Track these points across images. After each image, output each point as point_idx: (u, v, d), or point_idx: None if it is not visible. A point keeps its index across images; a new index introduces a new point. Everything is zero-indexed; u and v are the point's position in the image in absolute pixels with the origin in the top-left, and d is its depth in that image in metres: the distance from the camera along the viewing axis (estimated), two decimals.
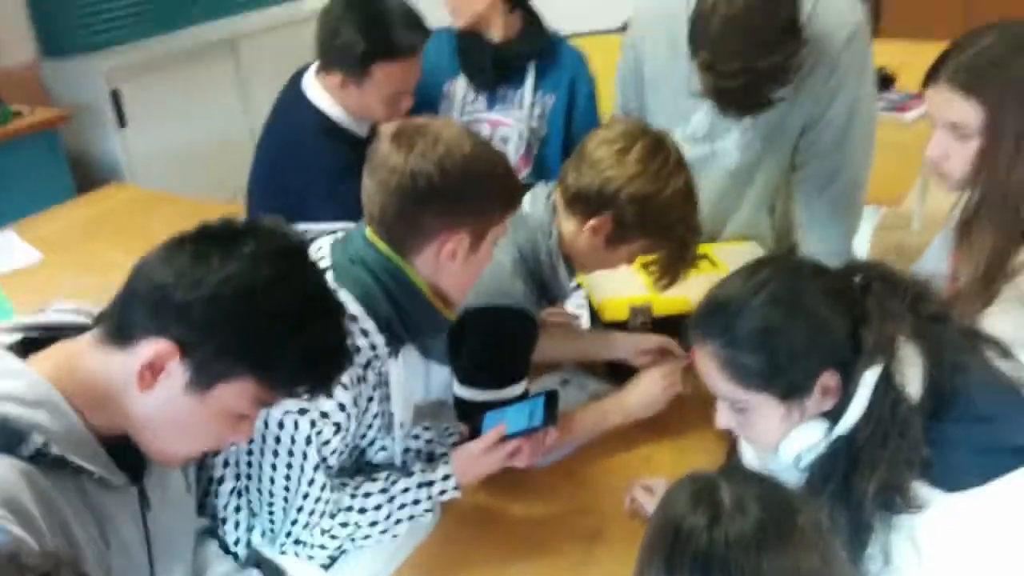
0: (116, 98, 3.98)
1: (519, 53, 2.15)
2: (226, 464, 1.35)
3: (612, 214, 1.50)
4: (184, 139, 4.22)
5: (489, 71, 2.14)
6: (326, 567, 1.40)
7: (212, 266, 0.95)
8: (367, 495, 1.38)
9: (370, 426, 1.41)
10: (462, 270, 1.32)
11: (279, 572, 1.39)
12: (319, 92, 2.03)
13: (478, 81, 2.16)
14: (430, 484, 1.41)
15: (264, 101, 2.15)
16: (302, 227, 1.39)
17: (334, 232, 1.39)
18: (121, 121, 4.04)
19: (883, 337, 1.09)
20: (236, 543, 1.37)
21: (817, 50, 1.75)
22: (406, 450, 1.55)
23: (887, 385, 1.08)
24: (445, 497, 1.43)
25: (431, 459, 1.54)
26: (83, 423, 0.97)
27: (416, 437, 1.57)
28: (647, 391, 1.67)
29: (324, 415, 1.23)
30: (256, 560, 1.40)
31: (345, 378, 1.24)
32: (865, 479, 1.07)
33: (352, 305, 1.25)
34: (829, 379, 1.10)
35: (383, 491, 1.39)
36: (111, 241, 2.62)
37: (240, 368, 0.97)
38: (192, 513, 1.24)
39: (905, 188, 2.86)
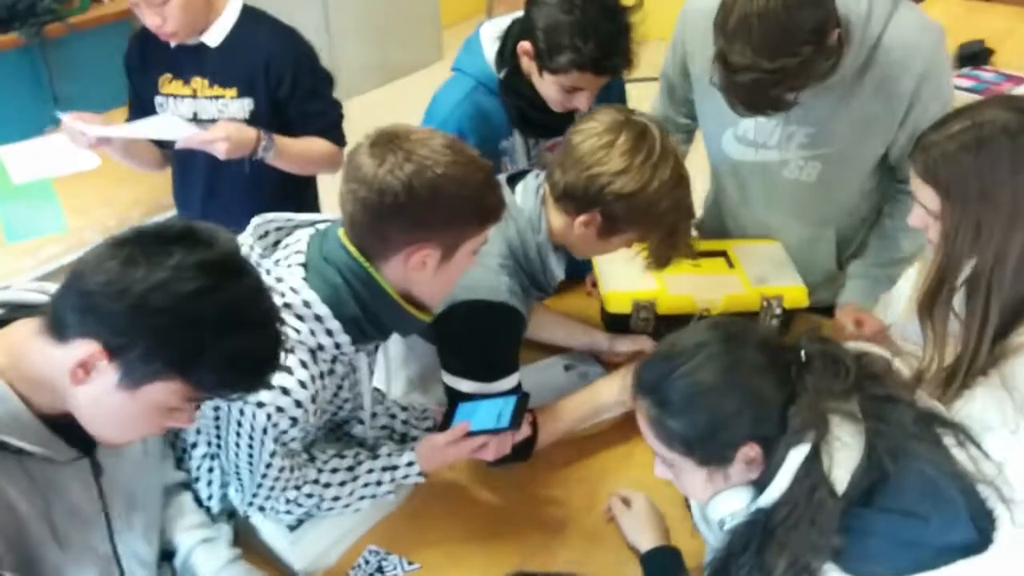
0: None
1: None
2: (198, 431, 1.44)
3: (600, 210, 1.50)
4: None
5: (550, 125, 1.96)
6: (292, 528, 1.50)
7: (138, 275, 0.99)
8: (334, 471, 1.46)
9: (340, 408, 1.48)
10: (434, 279, 1.34)
11: (250, 527, 1.51)
12: None
13: (536, 136, 2.00)
14: (394, 468, 1.48)
15: None
16: (286, 216, 1.43)
17: (316, 224, 1.42)
18: None
19: (811, 417, 1.08)
20: (209, 498, 1.47)
21: (885, 86, 1.70)
22: (383, 427, 1.62)
23: (810, 468, 1.08)
24: (408, 481, 1.50)
25: (404, 440, 1.61)
26: (26, 407, 1.05)
27: (393, 416, 1.64)
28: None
29: (280, 410, 1.29)
30: (230, 512, 1.51)
31: (304, 375, 1.30)
32: (775, 556, 1.09)
33: (318, 305, 1.29)
34: (750, 451, 1.11)
35: (349, 469, 1.47)
36: None
37: (166, 372, 1.02)
38: (153, 472, 1.33)
39: None
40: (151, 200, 2.43)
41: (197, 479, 1.46)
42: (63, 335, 1.02)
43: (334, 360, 1.36)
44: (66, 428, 1.09)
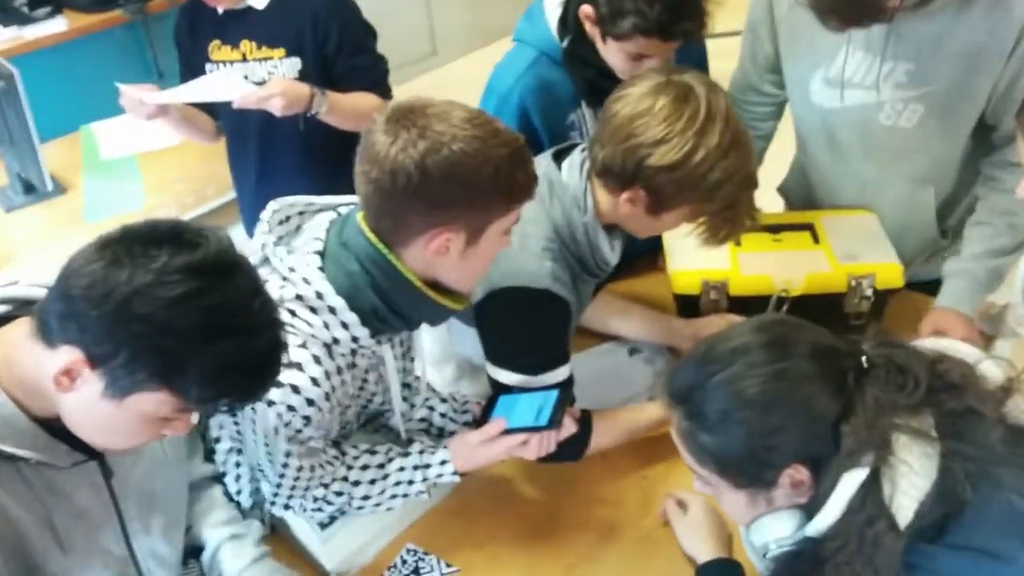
0: None
1: None
2: (221, 426, 1.39)
3: (643, 185, 1.35)
4: None
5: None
6: (324, 526, 1.44)
7: (121, 279, 0.92)
8: (364, 468, 1.38)
9: (370, 401, 1.39)
10: (461, 264, 1.22)
11: (283, 523, 1.45)
12: None
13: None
14: (427, 467, 1.39)
15: None
16: (307, 199, 1.34)
17: (338, 207, 1.33)
18: None
19: (870, 436, 0.91)
20: (238, 493, 1.42)
21: (995, 10, 1.49)
22: (421, 419, 1.53)
23: (867, 496, 0.91)
24: (443, 481, 1.40)
25: (442, 435, 1.51)
26: (20, 411, 1.01)
27: (432, 408, 1.54)
28: None
29: (291, 409, 1.21)
30: (262, 507, 1.45)
31: (317, 371, 1.21)
32: None
33: (332, 297, 1.20)
34: (797, 473, 0.96)
35: (380, 466, 1.39)
36: None
37: (151, 382, 0.96)
38: (174, 470, 1.27)
39: None
40: (226, 175, 2.40)
41: (224, 473, 1.41)
42: (50, 340, 0.97)
43: (354, 353, 1.27)
44: (70, 431, 1.05)
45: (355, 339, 1.23)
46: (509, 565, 1.43)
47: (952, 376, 0.97)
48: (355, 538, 1.44)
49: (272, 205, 1.31)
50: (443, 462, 1.39)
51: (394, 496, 1.40)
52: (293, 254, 1.26)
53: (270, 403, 1.21)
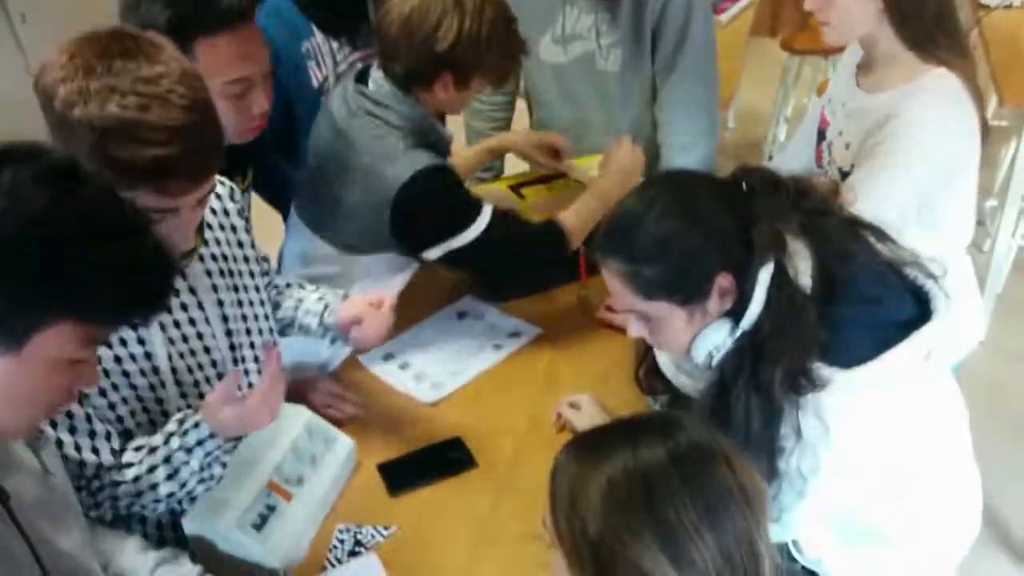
0: None
1: None
2: None
3: (448, 69, 1.60)
4: None
5: (347, 14, 1.98)
6: (258, 527, 1.37)
7: None
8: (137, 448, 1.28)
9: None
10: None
11: (205, 541, 1.36)
12: None
13: (337, 29, 1.97)
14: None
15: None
16: None
17: None
18: None
19: (772, 236, 1.18)
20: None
21: None
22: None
23: (781, 280, 1.17)
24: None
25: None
26: None
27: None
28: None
29: None
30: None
31: None
32: (771, 368, 1.17)
33: None
34: (724, 280, 1.19)
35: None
36: None
37: (50, 312, 0.86)
38: (60, 483, 1.10)
39: (728, 92, 2.98)
40: None
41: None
42: None
43: None
44: None
45: None
46: (442, 509, 1.48)
47: (802, 184, 1.27)
48: (287, 533, 1.40)
49: None
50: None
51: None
52: None
53: None
